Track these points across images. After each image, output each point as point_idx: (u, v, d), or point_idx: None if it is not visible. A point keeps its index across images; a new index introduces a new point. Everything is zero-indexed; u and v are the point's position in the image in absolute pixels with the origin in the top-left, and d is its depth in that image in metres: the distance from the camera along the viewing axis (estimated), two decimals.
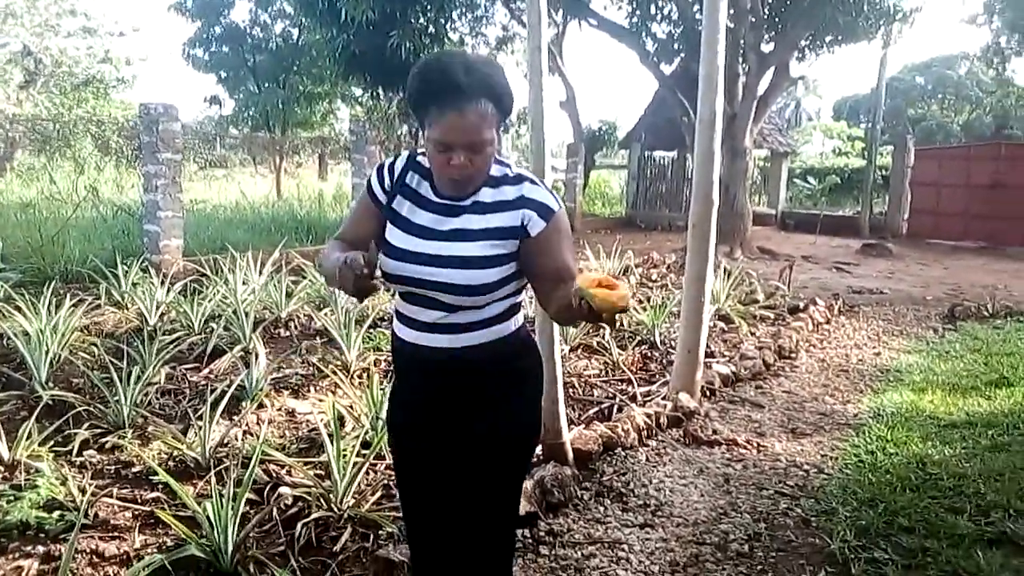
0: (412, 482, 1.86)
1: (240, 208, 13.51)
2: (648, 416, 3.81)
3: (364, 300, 1.56)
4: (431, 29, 11.74)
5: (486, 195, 1.67)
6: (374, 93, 12.45)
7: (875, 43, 12.01)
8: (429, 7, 12.00)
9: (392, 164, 1.77)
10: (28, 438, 3.23)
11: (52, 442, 3.32)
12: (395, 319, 1.81)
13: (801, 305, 7.18)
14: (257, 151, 19.58)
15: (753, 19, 11.49)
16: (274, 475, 3.09)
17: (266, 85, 20.35)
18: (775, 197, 18.29)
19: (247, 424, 3.71)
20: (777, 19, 12.29)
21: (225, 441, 3.40)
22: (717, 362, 5.06)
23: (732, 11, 10.10)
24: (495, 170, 1.69)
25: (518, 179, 1.69)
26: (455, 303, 1.65)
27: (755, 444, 3.80)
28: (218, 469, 3.10)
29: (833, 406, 4.52)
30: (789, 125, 32.30)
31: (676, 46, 13.90)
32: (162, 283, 6.29)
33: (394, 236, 1.70)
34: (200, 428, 3.32)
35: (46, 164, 18.67)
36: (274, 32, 20.39)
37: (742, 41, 11.64)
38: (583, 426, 3.72)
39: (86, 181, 14.76)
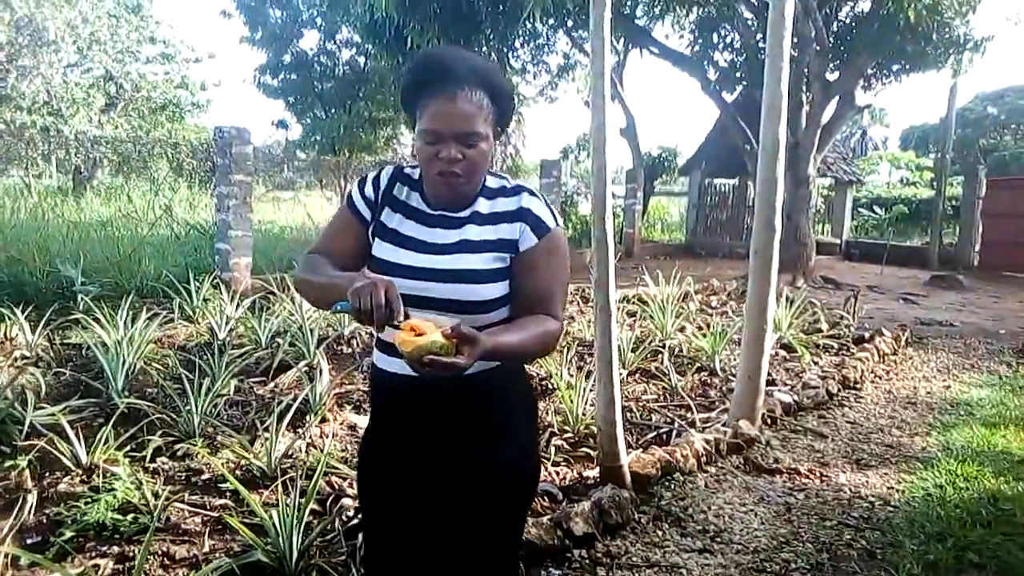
0: (390, 532, 1.67)
1: (306, 229, 13.86)
2: (707, 442, 3.78)
3: (382, 331, 1.45)
4: (494, 57, 11.95)
5: (482, 206, 1.56)
6: None
7: (944, 72, 11.73)
8: (492, 35, 12.23)
9: (376, 177, 1.65)
10: (105, 443, 3.38)
11: (127, 448, 3.46)
12: (376, 350, 1.66)
13: (867, 335, 7.02)
14: (323, 174, 20.10)
15: (818, 47, 11.38)
16: (336, 487, 3.16)
17: (332, 111, 20.91)
18: (839, 226, 17.94)
19: (311, 437, 3.80)
20: (842, 47, 12.15)
21: (290, 452, 3.50)
22: (779, 390, 4.98)
23: (795, 39, 10.01)
24: (492, 181, 1.59)
25: (516, 190, 1.58)
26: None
27: (818, 474, 3.72)
28: (283, 479, 3.18)
29: (900, 438, 4.40)
30: (855, 154, 31.64)
31: (738, 74, 13.87)
32: (232, 299, 6.50)
33: (384, 251, 1.58)
34: (266, 439, 3.42)
35: (124, 184, 19.52)
36: (341, 60, 20.97)
37: (806, 69, 11.53)
38: (641, 450, 3.71)
39: (161, 201, 15.36)
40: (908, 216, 19.98)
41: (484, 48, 12.18)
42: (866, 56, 11.56)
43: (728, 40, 13.87)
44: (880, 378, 5.90)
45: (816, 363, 6.04)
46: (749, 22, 12.43)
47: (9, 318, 5.45)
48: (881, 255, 14.68)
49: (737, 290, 9.55)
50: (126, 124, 22.12)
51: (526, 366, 1.73)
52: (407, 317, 1.35)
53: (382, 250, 1.58)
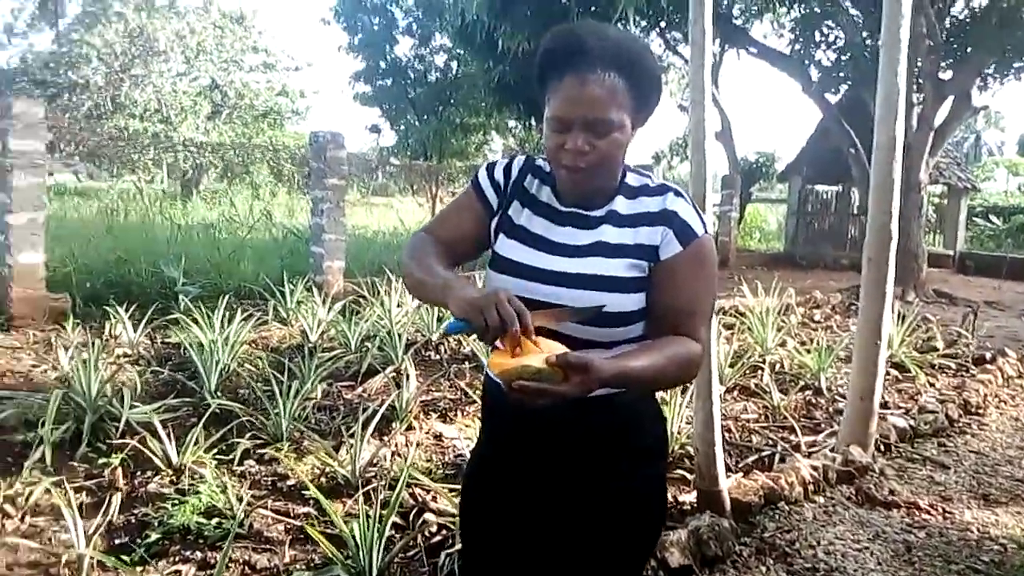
0: (491, 565, 1.53)
1: (397, 233, 14.04)
2: (815, 469, 3.50)
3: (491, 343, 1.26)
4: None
5: (621, 205, 1.39)
6: (527, 124, 12.64)
7: None
8: None
9: (508, 165, 1.49)
10: (195, 444, 3.39)
11: (216, 450, 3.46)
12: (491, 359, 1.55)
13: (988, 356, 6.48)
14: (414, 179, 20.40)
15: (930, 44, 10.70)
16: (419, 499, 3.06)
17: (424, 117, 21.19)
18: (952, 237, 16.87)
19: (396, 445, 3.73)
20: (957, 44, 11.40)
21: (374, 461, 3.42)
22: (892, 414, 4.61)
23: None
24: (633, 179, 1.41)
25: (662, 189, 1.39)
26: (582, 336, 1.31)
27: (940, 509, 3.39)
28: (366, 489, 3.11)
29: None
30: (968, 160, 29.90)
31: (842, 74, 13.23)
32: (323, 302, 6.56)
33: (508, 248, 1.42)
34: (351, 446, 3.36)
35: (227, 189, 20.31)
36: (434, 65, 21.24)
37: (917, 67, 10.86)
38: (741, 474, 3.47)
39: (261, 205, 15.86)
40: None
41: None
42: (984, 53, 10.80)
43: (831, 38, 13.26)
44: (1005, 403, 5.41)
45: (932, 385, 5.60)
46: (855, 18, 11.82)
47: (114, 317, 5.64)
48: (999, 268, 13.70)
49: (843, 303, 9.06)
50: (230, 131, 23.03)
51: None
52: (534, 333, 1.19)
53: (507, 247, 1.42)
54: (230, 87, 23.57)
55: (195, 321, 5.27)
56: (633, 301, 1.34)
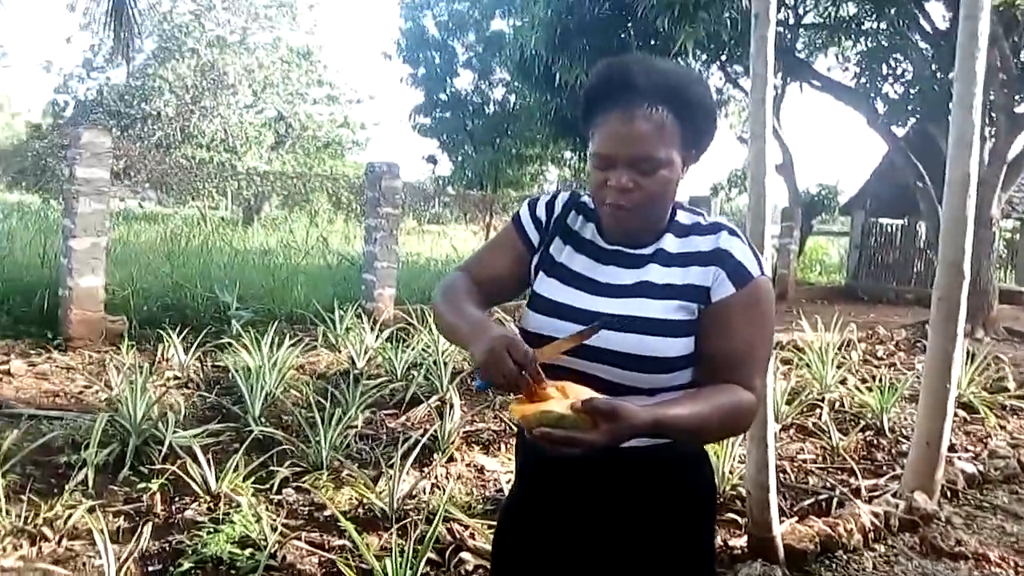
0: None
1: (449, 261, 14.09)
2: (876, 515, 3.29)
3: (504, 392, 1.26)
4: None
5: (670, 244, 1.30)
6: (582, 155, 12.62)
7: None
8: None
9: (551, 201, 1.43)
10: (235, 470, 3.37)
11: (255, 477, 3.44)
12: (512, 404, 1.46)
13: None
14: (468, 208, 20.54)
15: (1004, 77, 10.33)
16: (457, 536, 2.97)
17: (481, 147, 21.38)
18: None
19: (436, 477, 3.65)
20: None
21: (413, 493, 3.35)
22: (959, 458, 4.34)
23: None
24: (684, 217, 1.33)
25: (714, 228, 1.30)
26: (622, 382, 1.24)
27: (1012, 563, 3.14)
28: (403, 523, 3.03)
29: None
30: None
31: (909, 107, 12.87)
32: (372, 328, 6.56)
33: (547, 287, 1.36)
34: (390, 477, 3.29)
35: (287, 216, 20.77)
36: (492, 98, 21.47)
37: (990, 100, 10.48)
38: (796, 519, 3.28)
39: (318, 232, 16.14)
40: None
41: None
42: None
43: (898, 71, 12.93)
44: None
45: (1003, 427, 5.28)
46: (924, 51, 11.51)
47: (167, 340, 5.73)
48: None
49: (907, 340, 8.69)
50: (292, 160, 23.59)
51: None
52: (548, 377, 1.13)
53: (546, 286, 1.36)
54: (294, 118, 24.17)
55: (244, 346, 5.31)
56: (679, 346, 1.25)
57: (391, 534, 2.95)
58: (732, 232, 1.30)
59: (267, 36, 23.93)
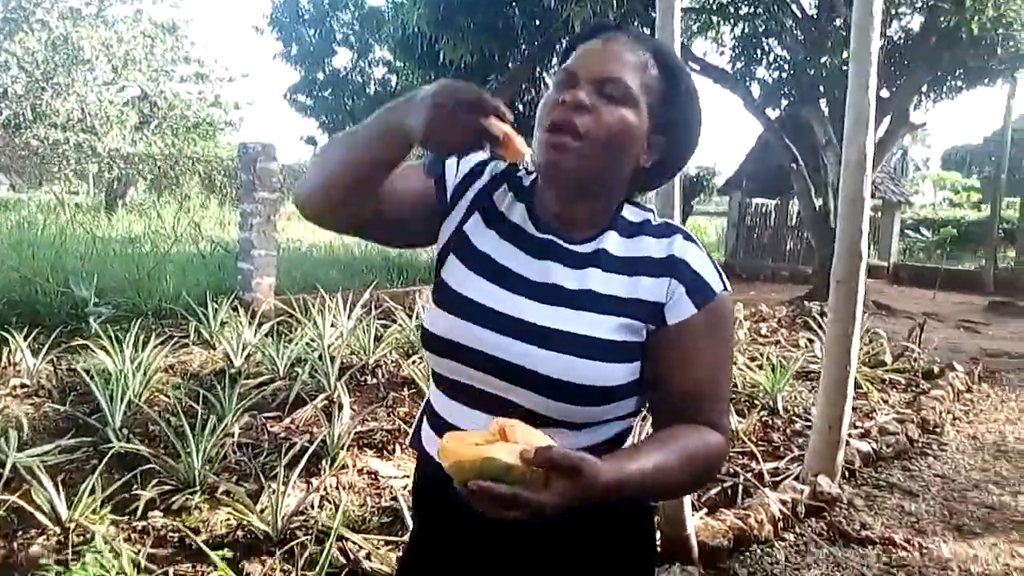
0: None
1: (333, 247, 13.52)
2: (784, 503, 3.24)
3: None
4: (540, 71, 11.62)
5: (613, 244, 1.06)
6: None
7: (993, 91, 11.17)
8: (527, 51, 11.85)
9: (482, 162, 1.15)
10: (91, 493, 2.94)
11: (116, 500, 3.02)
12: (424, 424, 1.18)
13: (936, 369, 6.41)
14: None
15: None
16: (351, 556, 2.68)
17: None
18: (886, 249, 17.20)
19: (326, 488, 3.34)
20: (894, 64, 11.56)
21: (301, 508, 3.03)
22: (851, 436, 4.42)
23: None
24: (630, 213, 1.09)
25: (666, 230, 1.07)
26: (546, 413, 1.00)
27: (916, 544, 3.17)
28: (289, 545, 2.72)
29: (1001, 497, 3.82)
30: (895, 174, 30.81)
31: (783, 90, 13.33)
32: (251, 322, 6.09)
33: (461, 278, 1.08)
34: (273, 492, 2.96)
35: (155, 201, 19.44)
36: (373, 78, 20.80)
37: None
38: (706, 512, 3.18)
39: (189, 218, 15.16)
40: (957, 239, 19.16)
41: (520, 62, 11.80)
42: (922, 72, 10.96)
43: (771, 57, 13.36)
44: (960, 420, 5.29)
45: (885, 401, 5.46)
46: (797, 36, 11.90)
47: (12, 342, 5.09)
48: (932, 279, 13.95)
49: (788, 316, 8.97)
50: (160, 142, 22.12)
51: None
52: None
53: (459, 277, 1.08)
54: (160, 97, 22.63)
55: (102, 348, 4.78)
56: (621, 372, 1.01)
57: (276, 559, 2.64)
58: (687, 237, 1.07)
59: (127, 9, 22.24)
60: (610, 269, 1.04)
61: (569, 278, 1.04)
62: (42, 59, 19.70)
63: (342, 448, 3.71)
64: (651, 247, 1.05)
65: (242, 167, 8.10)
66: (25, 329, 5.25)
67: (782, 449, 4.26)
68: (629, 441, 1.12)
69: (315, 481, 3.30)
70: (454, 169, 1.14)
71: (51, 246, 8.96)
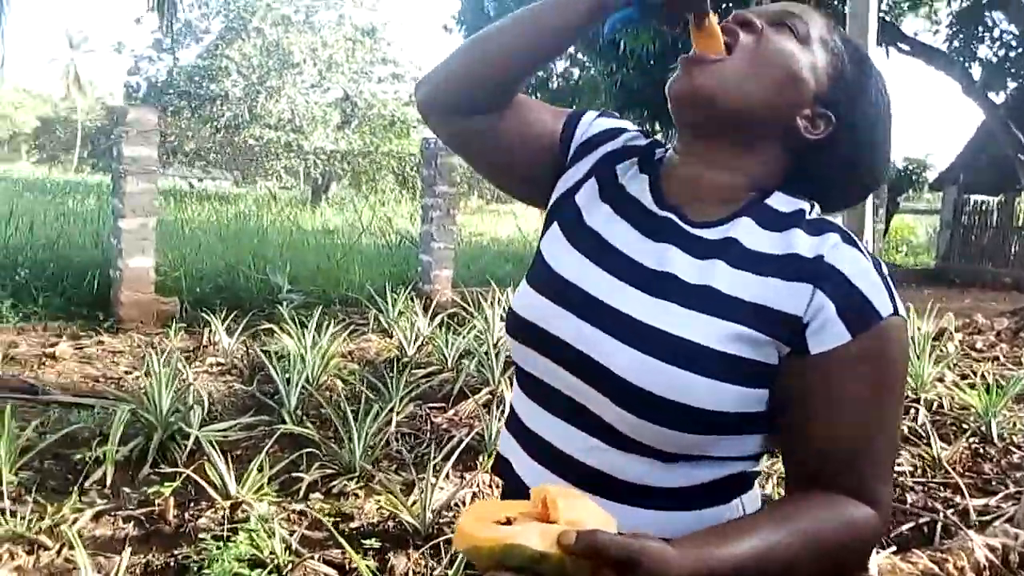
0: None
1: (514, 241, 13.74)
2: (992, 549, 2.78)
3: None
4: None
5: (749, 234, 0.82)
6: (651, 128, 12.07)
7: None
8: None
9: (618, 127, 0.99)
10: (260, 471, 3.08)
11: (282, 479, 3.15)
12: (504, 429, 0.99)
13: None
14: None
15: None
16: None
17: None
18: None
19: (478, 484, 3.29)
20: None
21: (452, 503, 3.00)
22: None
23: None
24: (780, 201, 0.85)
25: (819, 227, 0.81)
26: (630, 433, 0.80)
27: None
28: (436, 540, 2.69)
29: None
30: None
31: (1012, 70, 11.88)
32: (425, 312, 6.24)
33: (559, 252, 0.90)
34: (426, 485, 2.94)
35: (353, 196, 20.78)
36: (555, 71, 20.94)
37: None
38: (894, 551, 2.80)
39: (382, 211, 16.00)
40: None
41: None
42: None
43: (996, 33, 11.94)
44: None
45: None
46: None
47: (212, 323, 5.53)
48: None
49: (1009, 329, 7.92)
50: (359, 140, 23.58)
51: None
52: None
53: (555, 247, 0.91)
54: (360, 98, 24.14)
55: (287, 332, 5.06)
56: (733, 398, 0.77)
57: (422, 553, 2.62)
58: (847, 238, 0.80)
59: (332, 15, 23.92)
60: (740, 265, 0.80)
61: (689, 269, 0.81)
62: (257, 64, 21.63)
63: (498, 445, 3.65)
64: (795, 243, 0.80)
65: (424, 162, 8.39)
66: (225, 311, 5.69)
67: (994, 483, 3.70)
68: (752, 494, 0.87)
69: (468, 476, 3.27)
70: (587, 125, 0.98)
71: (253, 236, 9.76)
